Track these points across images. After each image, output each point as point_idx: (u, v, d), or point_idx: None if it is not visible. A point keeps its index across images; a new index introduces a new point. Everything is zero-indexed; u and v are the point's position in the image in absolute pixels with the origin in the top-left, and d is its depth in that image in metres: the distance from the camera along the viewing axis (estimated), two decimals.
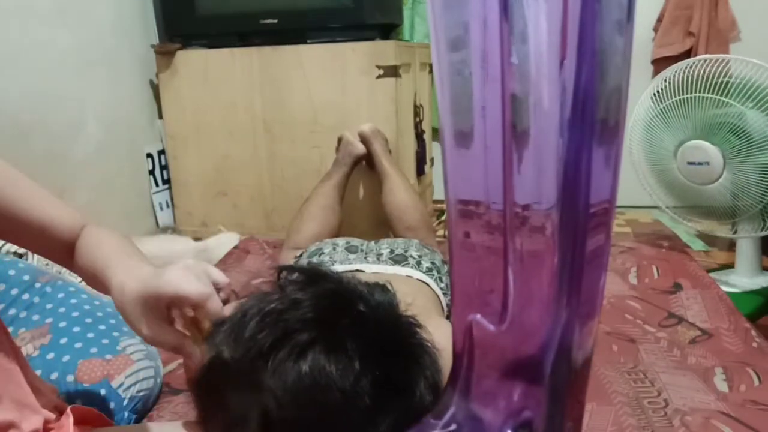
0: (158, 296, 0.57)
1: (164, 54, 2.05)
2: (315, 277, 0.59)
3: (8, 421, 0.58)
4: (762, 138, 1.39)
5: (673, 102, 1.51)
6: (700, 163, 1.49)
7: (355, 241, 1.28)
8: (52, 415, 0.66)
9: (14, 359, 0.64)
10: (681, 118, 1.50)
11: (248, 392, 0.54)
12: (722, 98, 1.41)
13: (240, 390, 0.55)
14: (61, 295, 0.96)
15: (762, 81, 1.38)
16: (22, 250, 1.32)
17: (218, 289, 0.61)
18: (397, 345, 0.56)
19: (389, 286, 0.61)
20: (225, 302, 0.61)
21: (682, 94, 1.48)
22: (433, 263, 1.17)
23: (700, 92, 1.44)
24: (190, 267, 0.59)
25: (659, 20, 2.47)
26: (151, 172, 2.21)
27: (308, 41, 1.94)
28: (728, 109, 1.43)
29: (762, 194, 1.42)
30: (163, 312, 0.58)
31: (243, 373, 0.54)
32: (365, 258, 1.20)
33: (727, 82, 1.42)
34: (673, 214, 1.65)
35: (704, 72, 1.44)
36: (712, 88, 1.43)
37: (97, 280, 0.65)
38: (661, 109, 1.54)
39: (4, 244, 1.30)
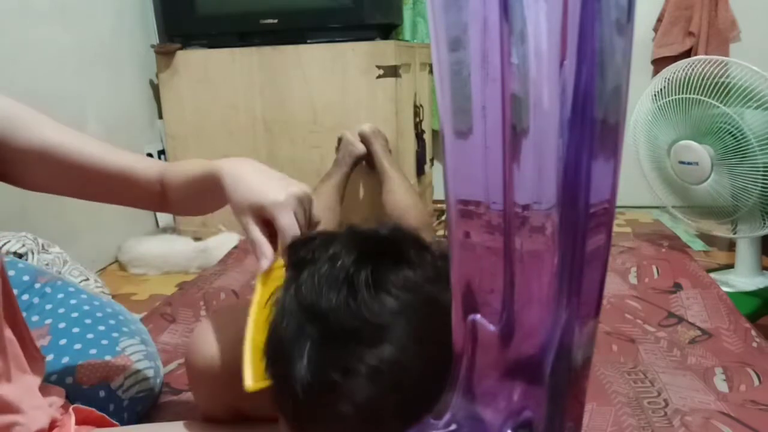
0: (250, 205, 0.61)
1: (164, 54, 2.05)
2: (328, 237, 0.57)
3: (23, 423, 0.59)
4: (761, 139, 1.38)
5: (668, 101, 1.51)
6: (690, 163, 1.50)
7: None
8: (59, 416, 0.66)
9: (39, 365, 0.65)
10: (676, 117, 1.51)
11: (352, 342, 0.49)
12: (717, 104, 1.41)
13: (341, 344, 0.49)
14: (60, 296, 0.96)
15: (759, 87, 1.38)
16: (22, 251, 1.32)
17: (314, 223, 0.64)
18: (424, 241, 0.57)
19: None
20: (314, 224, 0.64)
21: (680, 94, 1.48)
22: None
23: (698, 93, 1.45)
24: (284, 180, 0.63)
25: (659, 20, 2.47)
26: None
27: (308, 41, 1.94)
28: (726, 109, 1.43)
29: (747, 196, 1.42)
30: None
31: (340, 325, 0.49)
32: None
33: (727, 83, 1.42)
34: (674, 212, 1.65)
35: (704, 72, 1.44)
36: (711, 88, 1.43)
37: (201, 185, 0.66)
38: (656, 107, 1.54)
39: (3, 244, 1.30)
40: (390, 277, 0.50)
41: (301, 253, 0.54)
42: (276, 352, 0.51)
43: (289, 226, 0.60)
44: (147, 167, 0.70)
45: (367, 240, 0.54)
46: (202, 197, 0.69)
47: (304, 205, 0.63)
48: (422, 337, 0.48)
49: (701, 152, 1.47)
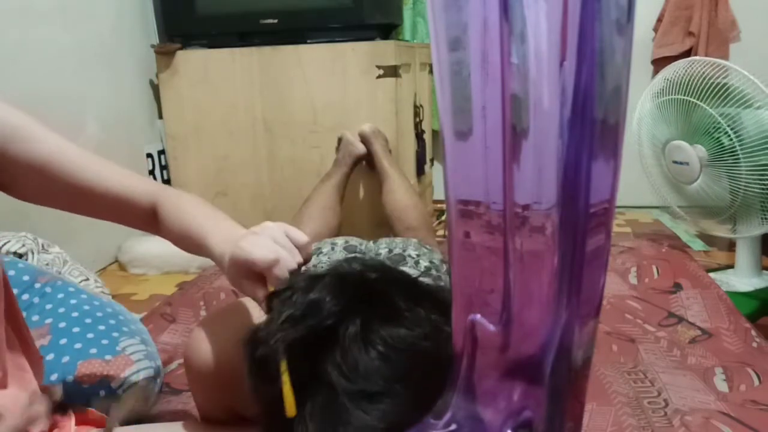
0: (237, 262, 0.61)
1: (164, 54, 2.05)
2: (312, 278, 0.55)
3: (22, 425, 0.59)
4: (757, 139, 1.38)
5: (665, 100, 1.51)
6: (681, 163, 1.51)
7: (354, 241, 1.28)
8: (58, 416, 0.66)
9: (39, 366, 0.65)
10: (672, 117, 1.51)
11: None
12: (708, 108, 1.42)
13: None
14: (60, 296, 0.96)
15: (756, 95, 1.38)
16: (22, 251, 1.32)
17: (299, 247, 0.63)
18: (416, 286, 0.55)
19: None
20: (306, 261, 0.63)
21: (678, 94, 1.49)
22: (431, 262, 1.17)
23: (697, 93, 1.45)
24: (267, 229, 0.63)
25: (659, 20, 2.47)
26: (151, 172, 2.21)
27: (308, 41, 1.94)
28: (722, 110, 1.43)
29: (738, 196, 1.42)
30: (249, 273, 0.62)
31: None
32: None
33: (726, 84, 1.42)
34: (677, 211, 1.66)
35: (703, 73, 1.44)
36: (710, 89, 1.43)
37: (191, 244, 0.68)
38: (655, 106, 1.55)
39: (3, 244, 1.30)
40: (382, 334, 0.48)
41: (282, 297, 0.53)
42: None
43: (265, 249, 0.60)
44: (143, 193, 0.71)
45: (356, 287, 0.52)
46: (192, 250, 0.70)
47: (275, 231, 0.63)
48: (419, 399, 0.47)
49: (691, 152, 1.47)
